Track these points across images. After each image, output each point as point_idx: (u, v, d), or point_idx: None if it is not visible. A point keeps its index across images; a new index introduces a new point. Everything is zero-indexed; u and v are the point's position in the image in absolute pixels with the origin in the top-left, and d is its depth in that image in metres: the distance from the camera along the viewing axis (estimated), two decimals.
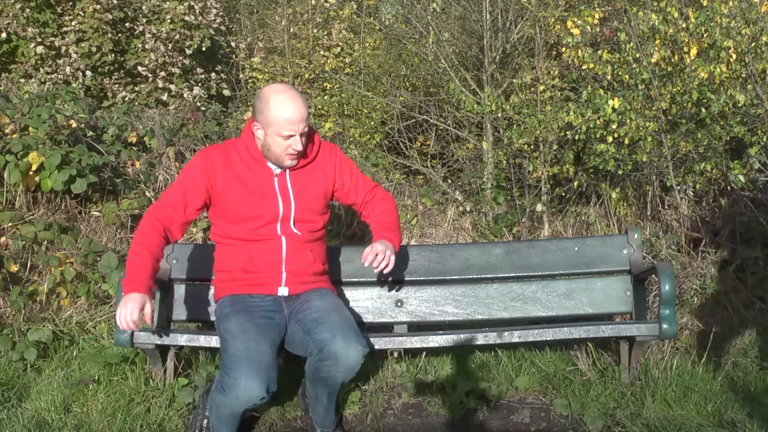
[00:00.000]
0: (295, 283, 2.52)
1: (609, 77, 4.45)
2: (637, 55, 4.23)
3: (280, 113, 2.38)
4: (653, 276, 3.05)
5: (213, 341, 2.64)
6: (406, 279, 3.02)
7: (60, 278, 3.46)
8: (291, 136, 2.41)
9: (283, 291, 2.51)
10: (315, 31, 8.49)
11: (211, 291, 2.78)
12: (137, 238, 2.42)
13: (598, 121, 4.20)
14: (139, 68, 7.64)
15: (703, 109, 4.11)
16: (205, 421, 2.54)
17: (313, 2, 8.56)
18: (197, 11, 7.82)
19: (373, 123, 7.17)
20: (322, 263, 2.63)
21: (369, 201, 2.71)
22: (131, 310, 2.28)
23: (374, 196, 2.71)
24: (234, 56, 8.95)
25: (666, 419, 2.60)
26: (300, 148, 2.44)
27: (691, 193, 4.21)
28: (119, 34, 7.67)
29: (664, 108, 4.22)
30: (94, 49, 7.36)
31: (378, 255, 2.47)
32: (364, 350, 2.31)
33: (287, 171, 2.53)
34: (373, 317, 2.99)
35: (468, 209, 5.07)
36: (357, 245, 3.10)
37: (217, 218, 2.54)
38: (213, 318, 2.83)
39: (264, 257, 2.50)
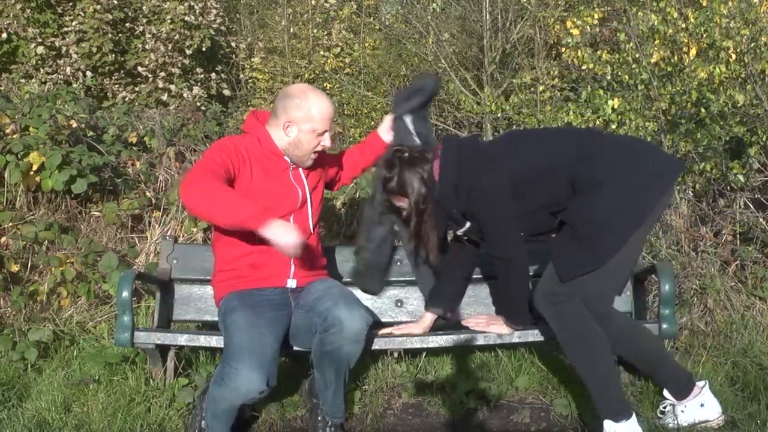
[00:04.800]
0: (302, 276, 2.56)
1: (609, 77, 4.45)
2: (637, 56, 4.23)
3: (322, 109, 2.45)
4: (653, 276, 3.04)
5: (213, 341, 2.64)
6: (406, 279, 3.02)
7: (60, 278, 3.46)
8: (325, 132, 2.48)
9: (291, 283, 2.54)
10: (315, 31, 8.51)
11: (211, 290, 2.77)
12: (206, 182, 2.23)
13: (597, 121, 4.20)
14: (139, 68, 7.65)
15: (703, 109, 4.10)
16: (203, 422, 2.51)
17: (313, 2, 8.57)
18: (197, 11, 7.83)
19: (373, 123, 7.18)
20: (323, 256, 2.71)
21: (345, 157, 2.87)
22: (293, 229, 2.19)
23: (343, 152, 2.90)
24: (234, 56, 8.95)
25: None
26: (330, 144, 2.52)
27: (691, 193, 4.20)
28: (119, 35, 7.68)
29: (663, 108, 4.22)
30: (94, 50, 7.37)
31: None
32: (367, 318, 2.37)
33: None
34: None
35: None
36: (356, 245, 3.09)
37: None
38: (213, 318, 2.83)
39: (272, 251, 2.49)
